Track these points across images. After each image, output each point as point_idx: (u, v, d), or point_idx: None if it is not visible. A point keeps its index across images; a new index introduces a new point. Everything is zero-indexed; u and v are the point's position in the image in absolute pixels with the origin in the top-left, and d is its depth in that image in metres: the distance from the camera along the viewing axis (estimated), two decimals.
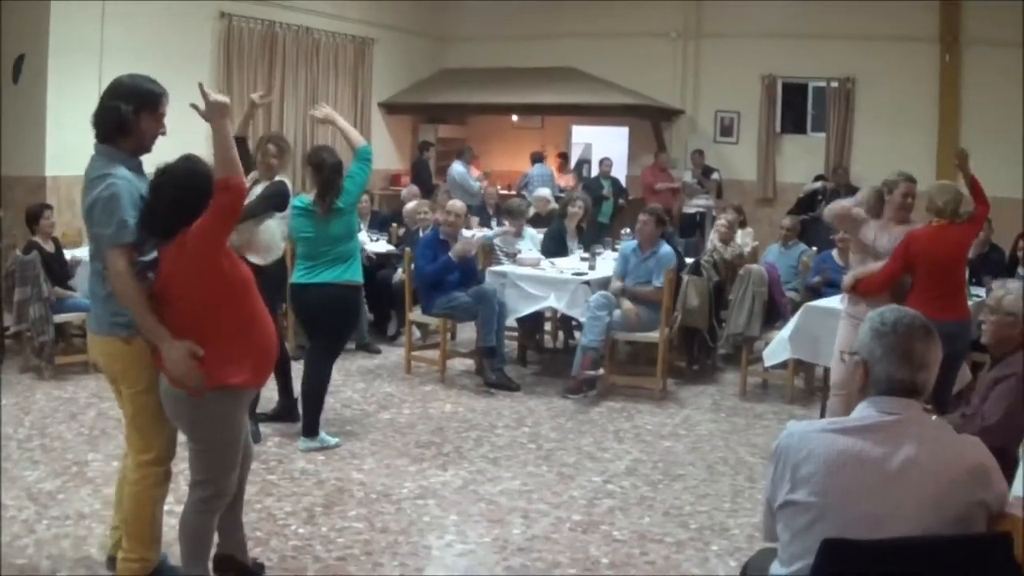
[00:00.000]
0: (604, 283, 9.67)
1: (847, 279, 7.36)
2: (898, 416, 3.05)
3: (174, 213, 4.44)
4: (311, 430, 7.49)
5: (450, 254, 9.43)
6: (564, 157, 19.20)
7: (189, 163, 4.59)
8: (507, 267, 10.09)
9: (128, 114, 4.60)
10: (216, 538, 4.84)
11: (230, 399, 4.51)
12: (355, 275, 7.55)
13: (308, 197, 7.54)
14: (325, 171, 7.39)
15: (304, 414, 7.56)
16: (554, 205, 13.31)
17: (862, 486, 2.96)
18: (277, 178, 7.57)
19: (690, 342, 10.16)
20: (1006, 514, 3.17)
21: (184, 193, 4.44)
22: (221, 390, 4.46)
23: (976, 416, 5.37)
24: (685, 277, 9.82)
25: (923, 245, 7.24)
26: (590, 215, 12.55)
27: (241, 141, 6.44)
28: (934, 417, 5.53)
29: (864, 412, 3.11)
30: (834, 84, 17.29)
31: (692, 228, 16.13)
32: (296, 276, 7.63)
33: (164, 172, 4.53)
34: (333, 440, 7.52)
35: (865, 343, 3.16)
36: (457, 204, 10.13)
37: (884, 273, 7.15)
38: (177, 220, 4.43)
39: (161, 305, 4.50)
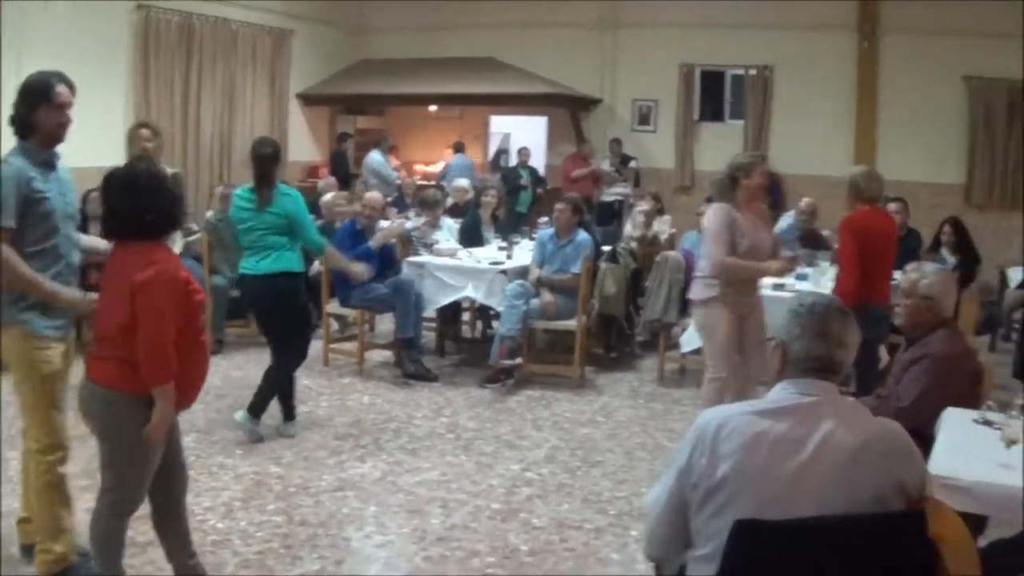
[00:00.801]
0: (521, 272, 9.68)
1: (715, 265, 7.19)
2: (815, 398, 3.09)
3: (113, 217, 4.39)
4: (257, 411, 7.51)
5: (370, 242, 9.37)
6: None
7: (128, 168, 4.53)
8: (424, 258, 10.04)
9: (25, 112, 4.69)
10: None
11: (145, 408, 4.39)
12: (289, 264, 7.47)
13: (248, 189, 7.50)
14: (257, 163, 7.38)
15: (256, 393, 7.58)
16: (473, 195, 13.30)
17: (777, 467, 2.97)
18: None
19: (608, 329, 10.20)
20: (927, 497, 3.19)
21: (120, 197, 4.36)
22: (137, 396, 4.36)
23: (891, 398, 5.39)
24: (602, 265, 9.85)
25: (863, 228, 7.32)
26: (506, 204, 12.54)
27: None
28: (851, 399, 5.63)
29: (781, 394, 3.15)
30: (752, 72, 17.44)
31: (610, 216, 16.17)
32: (241, 267, 7.66)
33: (106, 178, 4.45)
34: (261, 433, 7.48)
35: (783, 325, 3.22)
36: (375, 196, 10.07)
37: (849, 266, 7.20)
38: (116, 224, 4.39)
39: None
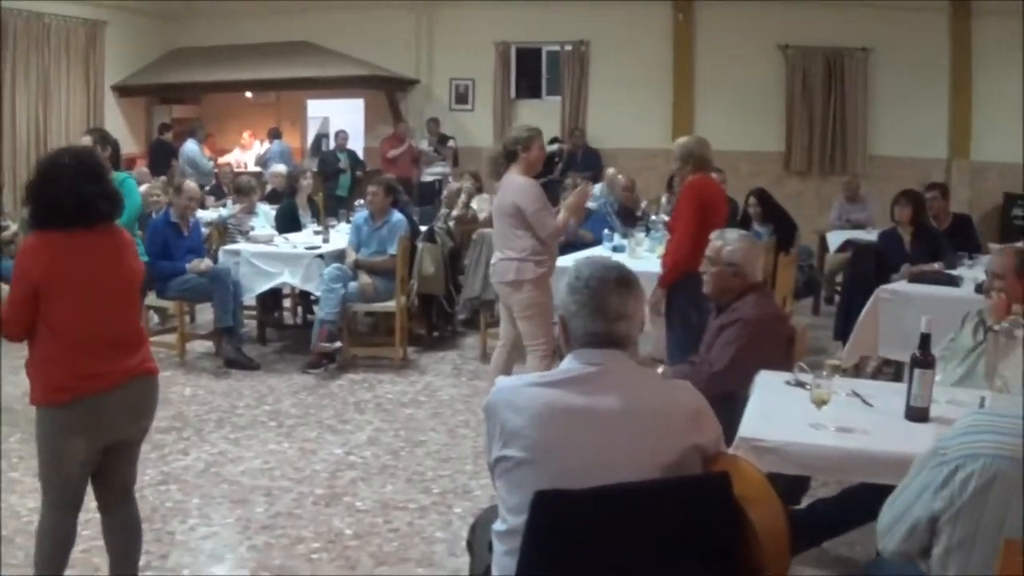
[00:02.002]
0: (339, 256, 9.66)
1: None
2: (600, 366, 3.08)
3: (30, 208, 4.26)
4: None
5: (188, 268, 9.27)
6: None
7: (45, 157, 4.40)
8: (240, 245, 9.95)
9: None
10: None
11: (47, 421, 4.22)
12: None
13: None
14: None
15: None
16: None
17: (571, 437, 2.97)
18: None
19: (428, 309, 10.25)
20: (721, 455, 3.27)
21: (34, 187, 4.24)
22: (40, 408, 4.24)
23: (704, 364, 5.47)
24: (420, 245, 9.88)
25: (708, 195, 7.46)
26: (326, 188, 12.51)
27: None
28: (661, 369, 5.75)
29: (569, 364, 3.14)
30: (568, 48, 17.63)
31: (430, 196, 16.20)
32: None
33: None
34: None
35: (562, 299, 3.21)
36: (191, 186, 9.93)
37: (688, 233, 7.29)
38: (34, 215, 4.25)
39: None
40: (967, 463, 2.69)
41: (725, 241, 5.63)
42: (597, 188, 12.30)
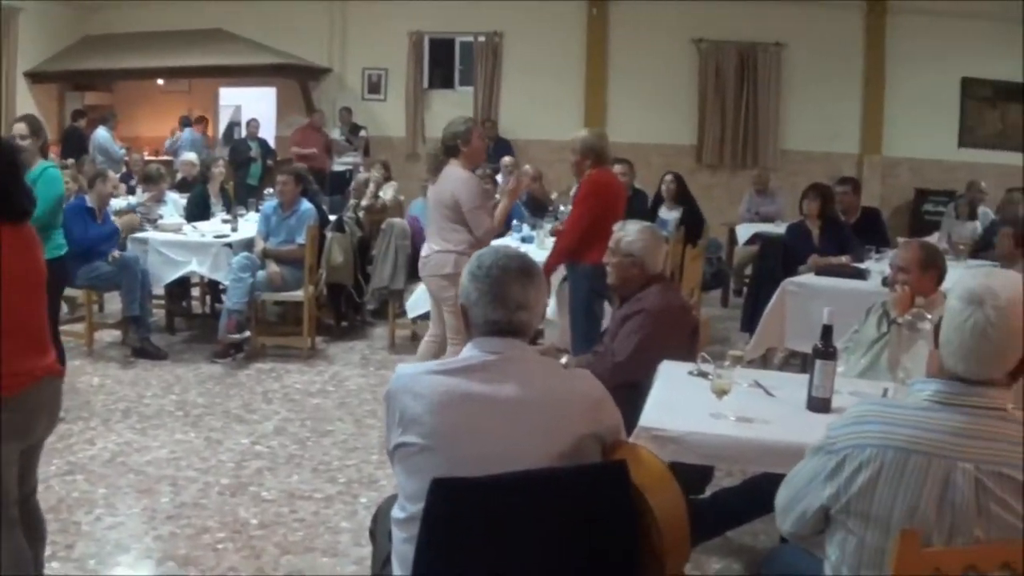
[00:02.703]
0: (247, 245, 9.63)
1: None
2: (500, 354, 3.10)
3: None
4: None
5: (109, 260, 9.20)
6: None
7: None
8: (148, 234, 9.85)
9: None
10: None
11: None
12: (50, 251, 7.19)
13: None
14: None
15: None
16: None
17: (470, 425, 2.99)
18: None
19: (337, 299, 10.27)
20: (621, 444, 3.30)
21: None
22: None
23: (607, 353, 5.49)
24: (329, 234, 9.88)
25: (609, 188, 7.51)
26: (237, 177, 12.45)
27: None
28: (565, 359, 5.80)
29: (469, 353, 3.15)
30: (481, 39, 17.66)
31: (342, 186, 16.14)
32: None
33: None
34: None
35: (463, 287, 3.22)
36: (112, 175, 9.89)
37: (577, 225, 7.39)
38: None
39: None
40: (855, 453, 2.71)
41: (626, 232, 5.66)
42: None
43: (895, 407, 2.81)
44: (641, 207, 11.04)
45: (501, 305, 3.13)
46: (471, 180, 7.24)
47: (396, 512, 3.16)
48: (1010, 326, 2.65)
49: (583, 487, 3.02)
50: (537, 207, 11.64)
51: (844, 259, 8.78)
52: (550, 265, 7.52)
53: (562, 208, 10.91)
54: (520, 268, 3.17)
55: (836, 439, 2.80)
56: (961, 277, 2.87)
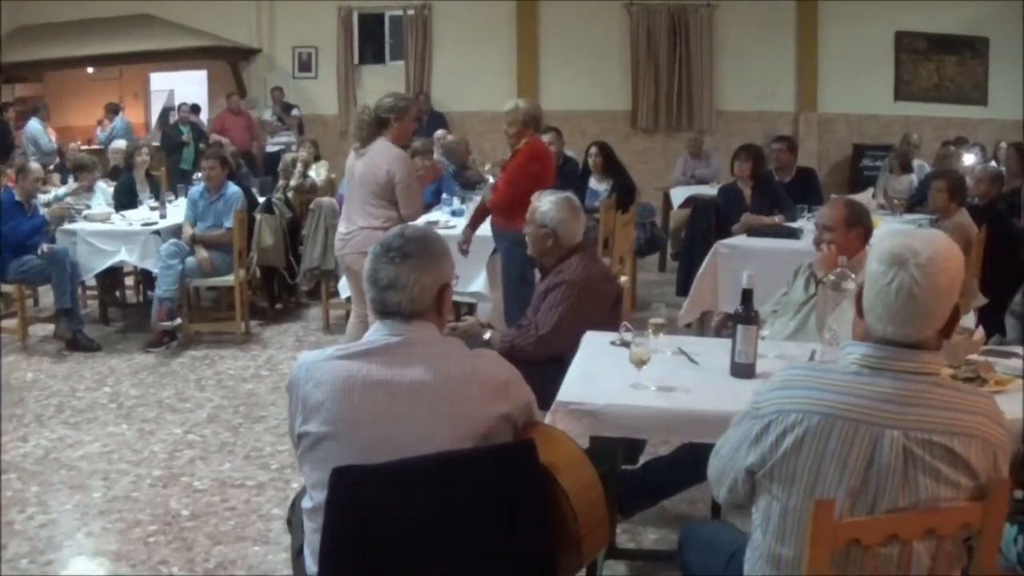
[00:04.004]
0: (175, 231, 9.54)
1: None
2: (402, 336, 3.05)
3: None
4: None
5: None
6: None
7: None
8: (77, 225, 9.73)
9: None
10: None
11: None
12: None
13: None
14: None
15: None
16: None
17: (372, 410, 2.94)
18: None
19: (270, 281, 10.22)
20: (532, 425, 3.26)
21: None
22: None
23: (531, 327, 5.45)
24: (258, 216, 9.82)
25: (545, 155, 7.58)
26: (168, 162, 12.35)
27: None
28: (489, 334, 5.76)
29: (372, 336, 3.11)
30: (410, 12, 17.63)
31: (276, 166, 16.06)
32: None
33: None
34: None
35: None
36: (34, 167, 9.73)
37: (518, 183, 7.38)
38: None
39: None
40: (779, 417, 2.68)
41: (541, 203, 5.64)
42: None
43: (822, 372, 2.78)
44: (572, 173, 11.02)
45: (372, 284, 3.10)
46: (405, 157, 7.24)
47: (305, 502, 3.13)
48: (936, 283, 2.61)
49: (488, 469, 2.99)
50: (467, 180, 11.58)
51: (777, 219, 8.80)
52: (471, 223, 7.73)
53: (490, 180, 10.90)
54: (400, 248, 3.10)
55: (761, 404, 2.77)
56: (879, 239, 2.83)
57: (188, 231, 9.40)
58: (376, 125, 7.21)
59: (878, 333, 2.69)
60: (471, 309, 8.51)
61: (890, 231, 2.90)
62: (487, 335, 5.65)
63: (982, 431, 2.65)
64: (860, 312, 2.75)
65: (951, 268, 2.64)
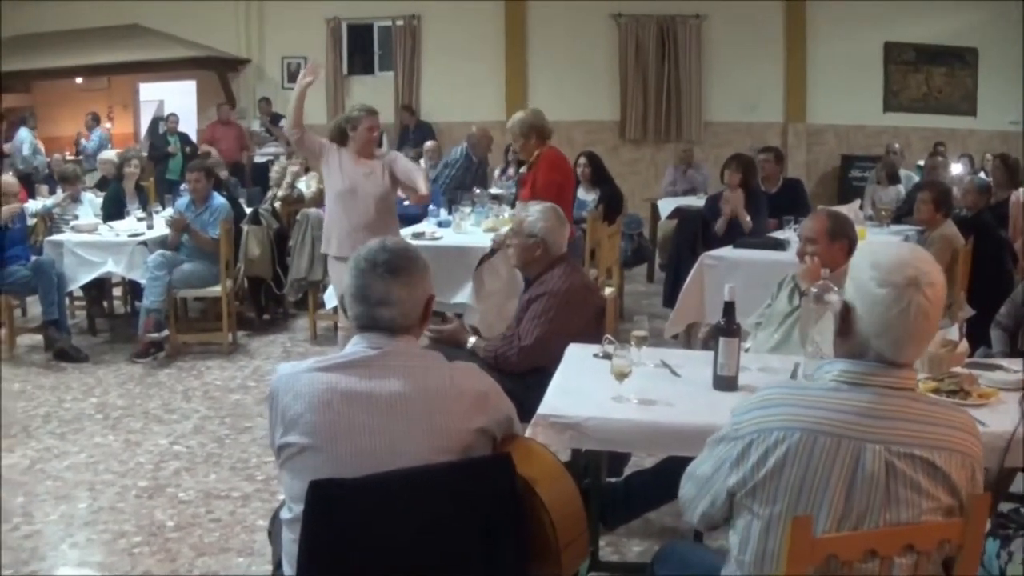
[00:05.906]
0: (162, 242, 9.50)
1: None
2: (381, 349, 3.03)
3: None
4: None
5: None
6: None
7: None
8: (63, 235, 9.74)
9: None
10: None
11: None
12: None
13: None
14: None
15: None
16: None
17: (350, 423, 2.92)
18: None
19: (257, 292, 10.22)
20: (510, 438, 3.24)
21: None
22: None
23: (514, 337, 5.45)
24: (245, 227, 9.82)
25: (562, 161, 7.79)
26: (156, 172, 12.35)
27: None
28: (473, 341, 5.76)
29: (352, 348, 3.09)
30: (399, 23, 17.65)
31: (264, 176, 16.07)
32: None
33: None
34: None
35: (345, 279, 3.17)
36: (9, 180, 9.71)
37: (546, 190, 7.38)
38: None
39: None
40: (760, 437, 2.64)
41: (528, 213, 5.65)
42: (457, 150, 12.44)
43: (800, 389, 2.77)
44: None
45: (362, 300, 3.07)
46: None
47: (284, 513, 3.11)
48: (940, 300, 2.62)
49: (466, 482, 2.97)
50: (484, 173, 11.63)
51: (748, 219, 8.84)
52: None
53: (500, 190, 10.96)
54: (387, 262, 3.07)
55: (741, 425, 2.74)
56: (860, 258, 2.77)
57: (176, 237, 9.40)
58: (338, 136, 7.52)
59: (880, 353, 2.66)
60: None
61: (869, 248, 2.85)
62: (471, 342, 5.65)
63: (961, 445, 2.64)
64: (845, 331, 2.72)
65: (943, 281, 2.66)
